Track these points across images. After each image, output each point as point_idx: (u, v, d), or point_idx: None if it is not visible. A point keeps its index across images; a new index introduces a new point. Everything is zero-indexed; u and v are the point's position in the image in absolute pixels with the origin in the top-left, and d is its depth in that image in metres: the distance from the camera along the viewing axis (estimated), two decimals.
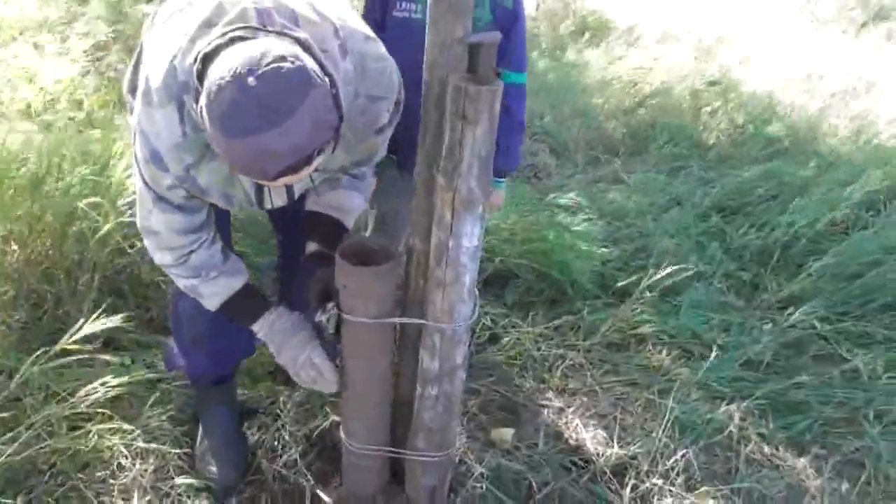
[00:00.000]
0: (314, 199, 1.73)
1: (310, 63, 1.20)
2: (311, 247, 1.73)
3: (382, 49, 1.51)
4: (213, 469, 1.95)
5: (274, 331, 1.68)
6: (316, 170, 1.57)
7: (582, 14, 6.44)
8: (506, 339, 2.61)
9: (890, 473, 2.28)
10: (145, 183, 1.48)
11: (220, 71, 1.16)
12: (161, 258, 1.59)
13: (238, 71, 1.14)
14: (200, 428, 2.04)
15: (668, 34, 6.27)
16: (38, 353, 1.93)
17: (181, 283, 1.65)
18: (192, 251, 1.57)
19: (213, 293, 1.64)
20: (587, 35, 6.11)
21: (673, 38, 6.24)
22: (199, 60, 1.24)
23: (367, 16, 1.94)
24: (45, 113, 3.25)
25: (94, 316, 1.99)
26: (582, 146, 4.31)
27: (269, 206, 1.59)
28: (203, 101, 1.18)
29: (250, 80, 1.13)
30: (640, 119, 4.77)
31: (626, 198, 3.69)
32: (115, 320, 1.99)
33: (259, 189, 1.52)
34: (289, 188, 1.55)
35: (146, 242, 1.59)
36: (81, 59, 3.73)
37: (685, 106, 5.00)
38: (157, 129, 1.36)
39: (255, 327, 1.70)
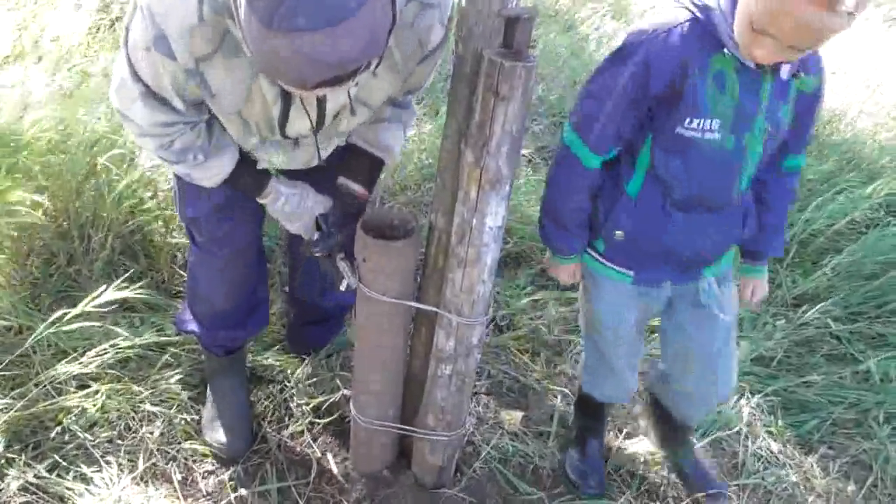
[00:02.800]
0: (356, 132, 1.62)
1: None
2: (341, 180, 1.64)
3: None
4: (221, 439, 1.94)
5: (278, 209, 1.61)
6: (361, 103, 1.44)
7: None
8: (518, 321, 2.58)
9: None
10: (135, 74, 1.30)
11: None
12: (142, 143, 1.46)
13: None
14: (208, 395, 2.03)
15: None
16: (56, 315, 1.90)
17: (172, 168, 1.53)
18: (173, 139, 1.43)
19: (206, 177, 1.53)
20: (607, 13, 6.00)
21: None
22: None
23: (622, 111, 1.53)
24: (60, 66, 3.21)
25: (117, 283, 1.98)
26: None
27: (292, 134, 1.44)
28: None
29: None
30: None
31: None
32: (135, 288, 1.98)
33: (285, 108, 1.35)
34: (321, 112, 1.39)
35: (124, 125, 1.44)
36: (94, 12, 3.68)
37: None
38: (167, 7, 1.18)
39: (259, 200, 1.61)
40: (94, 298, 1.89)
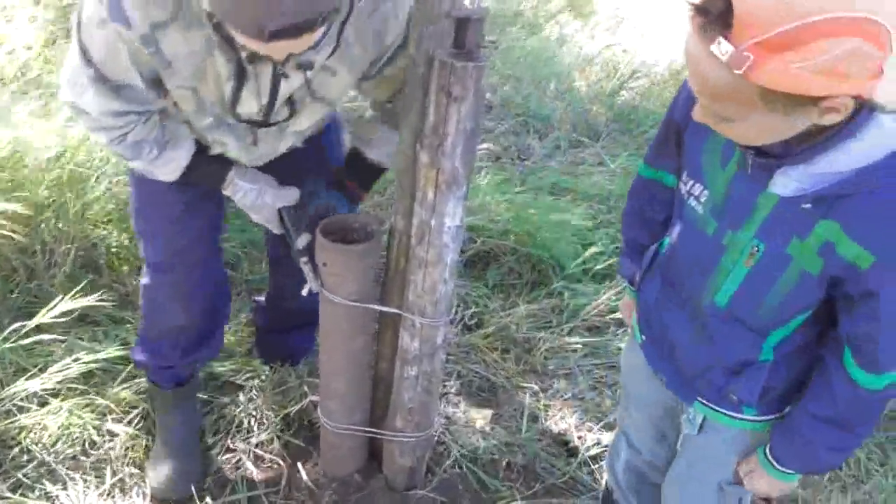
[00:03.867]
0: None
1: None
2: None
3: None
4: (164, 478, 1.85)
5: (239, 201, 1.62)
6: (319, 99, 1.47)
7: None
8: (487, 320, 2.59)
9: (861, 457, 2.31)
10: (87, 58, 1.31)
11: None
12: (95, 137, 1.48)
13: None
14: (157, 433, 1.94)
15: (650, 18, 6.23)
16: (12, 329, 1.88)
17: (129, 164, 1.53)
18: (126, 132, 1.43)
19: (164, 172, 1.52)
20: (571, 14, 6.06)
21: (655, 23, 6.21)
22: None
23: (664, 127, 1.40)
24: (17, 80, 3.16)
25: (71, 294, 1.95)
26: (566, 128, 4.29)
27: (242, 114, 1.44)
28: None
29: None
30: (622, 102, 4.75)
31: (609, 181, 3.67)
32: (91, 299, 1.96)
33: (238, 86, 1.36)
34: (273, 93, 1.39)
35: (77, 119, 1.45)
36: (50, 24, 3.64)
37: (667, 89, 4.99)
38: None
39: (223, 192, 1.61)
40: (49, 310, 1.87)
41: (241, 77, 1.34)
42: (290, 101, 1.47)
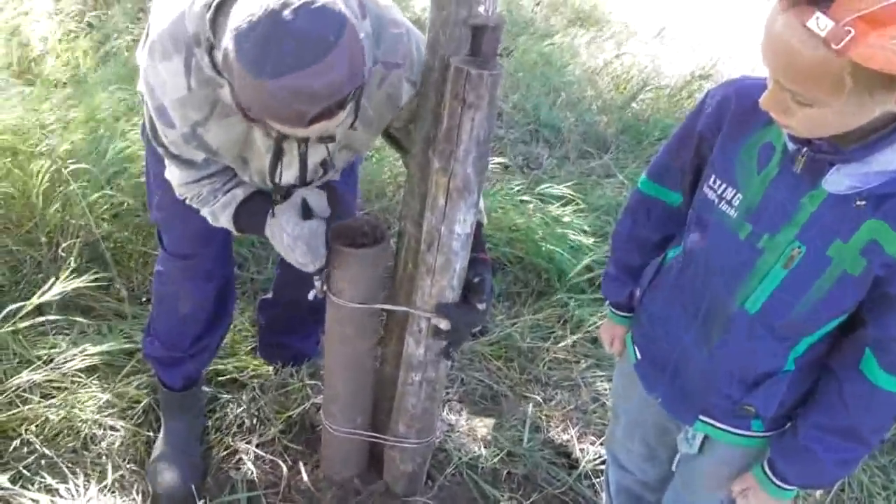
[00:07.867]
0: None
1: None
2: None
3: (399, 14, 1.44)
4: (167, 482, 1.85)
5: (276, 241, 1.55)
6: (346, 147, 1.53)
7: (580, 6, 6.40)
8: (491, 328, 2.59)
9: (864, 481, 2.29)
10: (157, 140, 1.44)
11: (249, 8, 1.10)
12: (179, 195, 1.57)
13: (271, 6, 1.08)
14: (160, 434, 1.95)
15: (662, 30, 6.24)
16: (10, 309, 1.88)
17: (202, 213, 1.58)
18: (201, 193, 1.54)
19: (226, 212, 1.55)
20: (583, 26, 6.07)
21: (667, 34, 6.21)
22: (212, 8, 1.18)
23: (678, 140, 1.41)
24: (30, 72, 3.18)
25: (64, 276, 1.97)
26: (575, 138, 4.29)
27: (279, 180, 1.50)
28: (229, 43, 1.11)
29: (286, 13, 1.07)
30: (633, 114, 4.75)
31: (618, 193, 3.67)
32: (88, 280, 2.00)
33: (276, 156, 1.44)
34: (303, 167, 1.47)
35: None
36: (70, 19, 3.66)
37: (677, 102, 4.99)
38: (161, 82, 1.31)
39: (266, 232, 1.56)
40: (44, 292, 1.90)
41: (278, 153, 1.43)
42: (323, 163, 1.54)
